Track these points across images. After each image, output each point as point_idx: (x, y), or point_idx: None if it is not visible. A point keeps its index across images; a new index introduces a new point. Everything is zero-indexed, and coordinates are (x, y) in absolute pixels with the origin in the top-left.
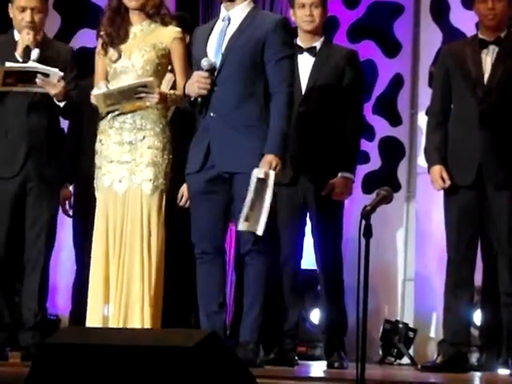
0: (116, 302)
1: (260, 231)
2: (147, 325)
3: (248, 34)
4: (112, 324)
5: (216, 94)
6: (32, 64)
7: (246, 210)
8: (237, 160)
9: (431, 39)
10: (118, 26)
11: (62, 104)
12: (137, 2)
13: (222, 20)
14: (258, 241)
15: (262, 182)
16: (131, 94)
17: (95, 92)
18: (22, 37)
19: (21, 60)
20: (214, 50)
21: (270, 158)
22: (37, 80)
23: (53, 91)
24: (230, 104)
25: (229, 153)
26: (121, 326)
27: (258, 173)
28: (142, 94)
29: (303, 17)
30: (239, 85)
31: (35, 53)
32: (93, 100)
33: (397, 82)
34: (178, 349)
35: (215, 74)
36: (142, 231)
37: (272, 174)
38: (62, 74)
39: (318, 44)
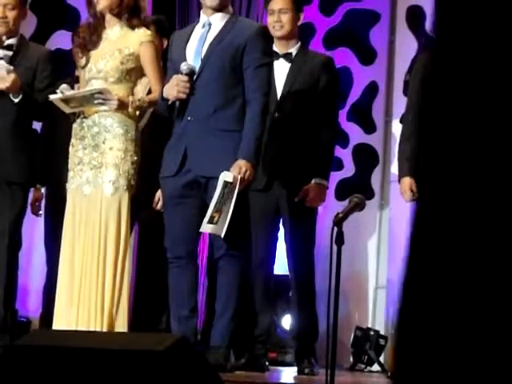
0: (79, 305)
1: (223, 234)
2: (107, 328)
3: (228, 40)
4: (77, 327)
5: (194, 99)
6: None
7: (210, 211)
8: (213, 164)
9: (406, 47)
10: (93, 30)
11: (16, 100)
12: (100, 4)
13: (203, 26)
14: (231, 246)
15: (229, 186)
16: (90, 99)
17: (52, 96)
18: None
19: None
20: (194, 55)
21: (240, 163)
22: None
23: (3, 85)
24: (208, 108)
25: (205, 157)
26: (84, 329)
27: (225, 176)
28: (100, 100)
29: (273, 23)
30: (218, 90)
31: (2, 52)
32: (50, 100)
33: (372, 89)
34: (148, 352)
35: (194, 78)
36: (100, 233)
37: (239, 178)
38: (10, 66)
39: (293, 50)
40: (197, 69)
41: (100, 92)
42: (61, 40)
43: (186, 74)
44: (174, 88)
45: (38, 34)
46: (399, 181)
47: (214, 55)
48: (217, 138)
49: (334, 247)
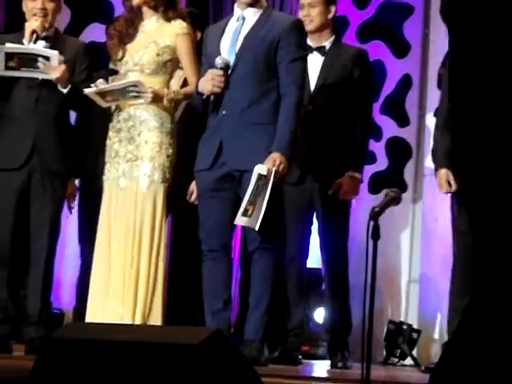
0: (114, 298)
1: (257, 227)
2: (140, 321)
3: (262, 34)
4: (111, 319)
5: (229, 93)
6: (32, 46)
7: (244, 204)
8: (248, 158)
9: (440, 40)
10: (130, 23)
11: (65, 90)
12: None
13: (237, 20)
14: (265, 239)
15: (263, 179)
16: (124, 92)
17: (86, 90)
18: (30, 23)
19: (26, 45)
20: (228, 49)
21: (275, 156)
22: (39, 64)
23: (54, 75)
24: (243, 103)
25: (240, 151)
26: (118, 321)
27: (259, 169)
28: (135, 93)
29: (303, 17)
30: (252, 84)
31: (41, 44)
32: (85, 94)
33: (405, 82)
34: (183, 346)
35: (229, 72)
36: (135, 226)
37: (274, 171)
38: (62, 57)
39: (327, 43)
40: (231, 63)
41: (134, 85)
42: (95, 33)
43: (221, 69)
44: (209, 82)
45: (72, 26)
46: (435, 172)
47: (248, 49)
48: (251, 132)
49: (370, 241)
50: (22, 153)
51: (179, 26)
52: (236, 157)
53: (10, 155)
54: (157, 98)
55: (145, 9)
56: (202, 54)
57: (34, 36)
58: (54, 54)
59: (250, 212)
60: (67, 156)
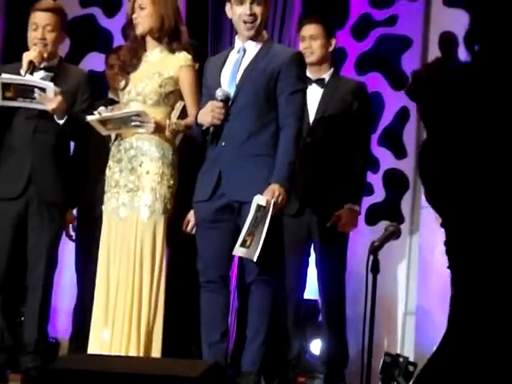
0: (114, 328)
1: (255, 258)
2: (141, 353)
3: (263, 66)
4: (112, 350)
5: (229, 124)
6: (27, 77)
7: (243, 235)
8: (247, 189)
9: None
10: (133, 53)
11: (61, 122)
12: (140, 28)
13: (238, 51)
14: (263, 270)
15: (262, 210)
16: (127, 121)
17: (89, 117)
18: (27, 52)
19: (23, 75)
20: (228, 81)
21: (274, 188)
22: (35, 95)
23: (50, 106)
24: (243, 134)
25: (240, 182)
26: (118, 352)
27: (258, 200)
28: (137, 123)
29: (304, 49)
30: (252, 115)
31: (41, 74)
32: (88, 121)
33: (403, 114)
34: (182, 379)
35: (229, 104)
36: (135, 256)
37: (272, 202)
38: (57, 88)
39: (326, 76)
40: (231, 95)
41: (137, 114)
42: (93, 62)
43: (221, 101)
44: (209, 114)
45: (71, 55)
46: None
47: (249, 81)
48: (251, 163)
49: (368, 274)
50: (19, 183)
51: (183, 57)
52: (235, 188)
53: (7, 185)
54: (159, 129)
55: (149, 39)
56: (203, 86)
57: (31, 66)
58: (50, 86)
59: (248, 243)
60: (65, 186)
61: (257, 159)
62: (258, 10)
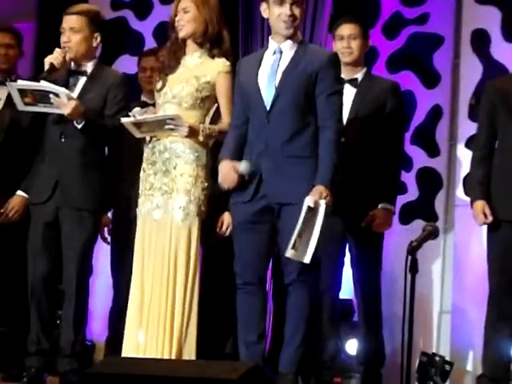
0: (148, 331)
1: (307, 260)
2: (175, 355)
3: (301, 67)
4: (146, 352)
5: (269, 126)
6: (41, 83)
7: (294, 237)
8: (289, 191)
9: (471, 71)
10: (172, 55)
11: (79, 126)
12: (184, 31)
13: (273, 53)
14: (303, 271)
15: (311, 212)
16: (161, 124)
17: (124, 120)
18: (50, 55)
19: (42, 77)
20: (267, 82)
21: (321, 189)
22: (51, 100)
23: (65, 111)
24: (284, 136)
25: (281, 184)
26: (153, 355)
27: (308, 201)
28: (171, 126)
29: (342, 49)
30: (292, 118)
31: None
32: (122, 123)
33: (435, 112)
34: (223, 381)
35: (246, 178)
36: (170, 258)
37: (323, 203)
38: (69, 92)
39: (359, 75)
40: (248, 168)
41: (172, 118)
42: (125, 64)
43: (242, 173)
44: (223, 176)
45: (102, 58)
46: (471, 204)
47: (289, 83)
48: (292, 165)
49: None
50: (47, 188)
51: (222, 63)
52: (277, 190)
53: (39, 190)
54: (192, 133)
55: (189, 42)
56: (235, 85)
57: (51, 68)
58: (61, 91)
59: (297, 245)
60: (96, 190)
61: (298, 161)
62: (297, 11)
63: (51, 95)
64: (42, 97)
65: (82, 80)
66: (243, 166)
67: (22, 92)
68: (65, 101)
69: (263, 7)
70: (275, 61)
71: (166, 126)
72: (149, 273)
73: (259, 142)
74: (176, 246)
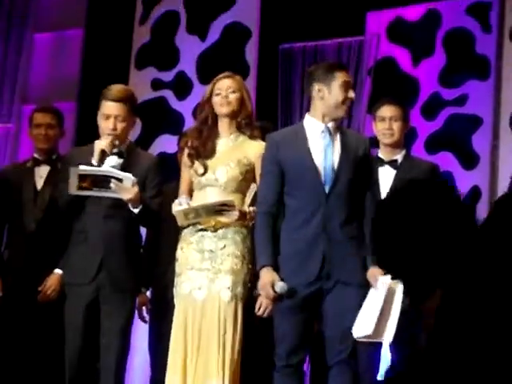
0: None
1: (387, 339)
2: None
3: (353, 153)
4: None
5: (327, 207)
6: (106, 168)
7: (375, 318)
8: (349, 271)
9: (510, 152)
10: (205, 139)
11: (136, 210)
12: (228, 108)
13: (322, 131)
14: (350, 352)
15: (386, 291)
16: (212, 210)
17: (175, 208)
18: (99, 142)
19: (95, 164)
20: (324, 164)
21: (377, 271)
22: (111, 185)
23: (126, 196)
24: (340, 218)
25: (342, 264)
26: None
27: (384, 280)
28: (223, 212)
29: (383, 130)
30: (348, 201)
31: (113, 160)
32: (174, 212)
33: (475, 194)
34: None
35: (286, 288)
36: (219, 339)
37: (400, 284)
38: (135, 179)
39: (399, 157)
40: (286, 289)
41: (224, 204)
42: (165, 144)
43: (279, 294)
44: (265, 289)
45: (142, 137)
46: None
47: (345, 168)
48: (348, 246)
49: None
50: (92, 269)
51: (259, 146)
52: (340, 270)
53: (80, 270)
54: (242, 217)
55: (224, 121)
56: (269, 162)
57: (103, 155)
58: (128, 177)
59: (378, 325)
60: (135, 271)
61: (353, 242)
62: (352, 94)
63: (113, 180)
64: (101, 182)
65: (117, 161)
66: (280, 286)
67: (82, 177)
68: (129, 186)
69: (315, 88)
70: (329, 141)
71: (216, 211)
72: (192, 354)
73: (314, 221)
74: (224, 326)
